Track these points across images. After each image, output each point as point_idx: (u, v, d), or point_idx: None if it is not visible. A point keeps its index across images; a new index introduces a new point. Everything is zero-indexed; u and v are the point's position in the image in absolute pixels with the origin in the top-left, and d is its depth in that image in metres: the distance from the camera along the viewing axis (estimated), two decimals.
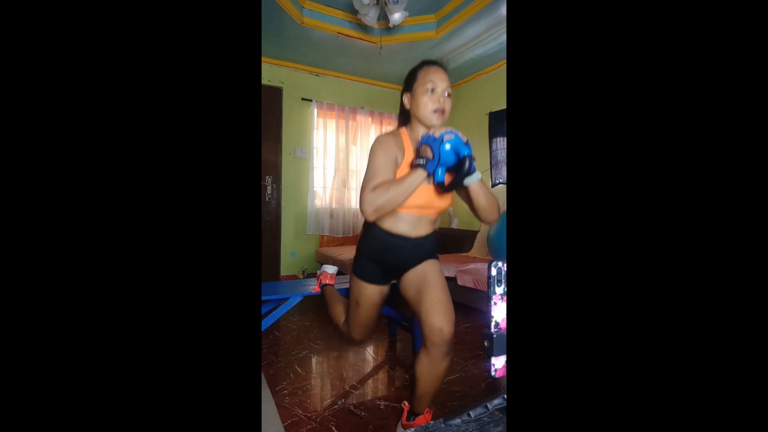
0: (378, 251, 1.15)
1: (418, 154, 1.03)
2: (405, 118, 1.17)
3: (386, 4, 2.23)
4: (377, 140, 1.09)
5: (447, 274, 2.50)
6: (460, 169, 0.97)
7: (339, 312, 1.48)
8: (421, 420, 1.15)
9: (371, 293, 1.22)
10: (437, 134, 0.98)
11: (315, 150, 3.54)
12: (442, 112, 1.07)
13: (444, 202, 1.13)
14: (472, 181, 1.00)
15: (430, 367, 1.07)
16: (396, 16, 2.25)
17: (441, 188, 1.05)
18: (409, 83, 1.13)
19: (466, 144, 0.98)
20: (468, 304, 2.37)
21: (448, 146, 0.96)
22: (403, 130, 1.15)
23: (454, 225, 3.68)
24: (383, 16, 2.37)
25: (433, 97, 1.06)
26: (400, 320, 1.88)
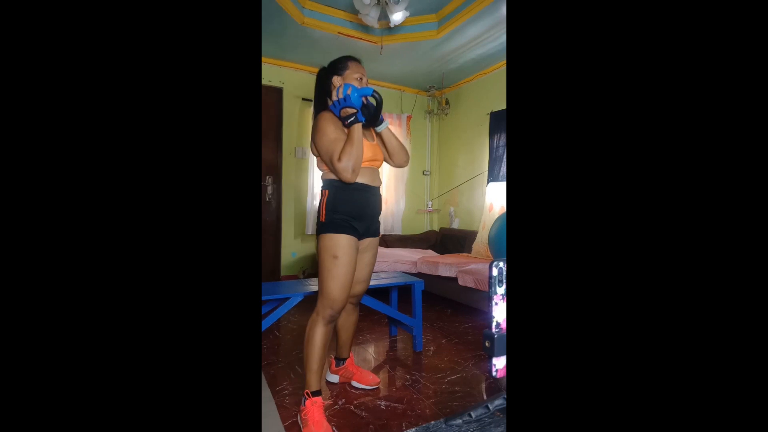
0: (347, 203, 1.26)
1: (344, 118, 1.22)
2: (327, 99, 1.34)
3: (387, 4, 2.23)
4: (322, 117, 1.26)
5: (448, 275, 2.50)
6: (377, 103, 1.23)
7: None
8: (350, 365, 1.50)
9: (347, 243, 1.24)
10: (340, 94, 1.21)
11: None
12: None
13: (379, 153, 1.35)
14: (383, 128, 1.32)
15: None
16: (397, 16, 2.25)
17: (369, 122, 1.28)
18: (339, 69, 1.32)
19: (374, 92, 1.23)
20: (469, 304, 2.37)
21: (351, 91, 1.21)
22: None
23: (455, 225, 3.68)
24: (384, 16, 2.37)
25: (361, 85, 1.29)
26: (400, 320, 1.88)
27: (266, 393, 1.43)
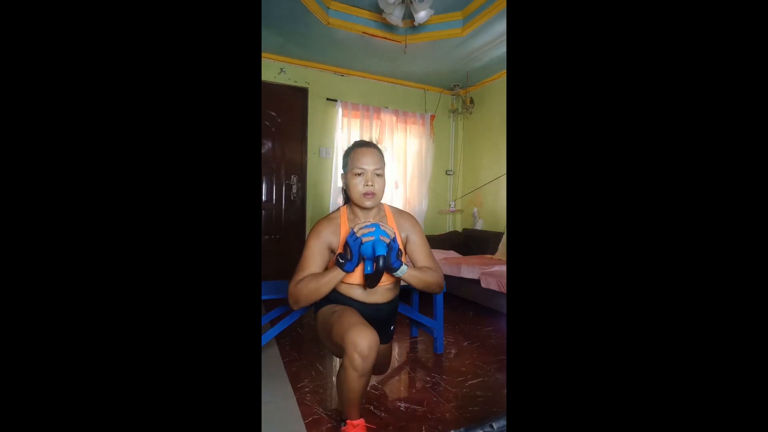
0: (340, 303, 1.19)
1: (343, 250, 1.09)
2: (346, 196, 1.24)
3: (411, 2, 2.21)
4: (313, 227, 1.18)
5: (470, 276, 2.46)
6: (378, 268, 1.04)
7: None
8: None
9: (344, 306, 1.16)
10: (359, 233, 1.04)
11: (342, 149, 3.56)
12: (371, 194, 1.15)
13: (388, 277, 1.17)
14: (399, 275, 1.10)
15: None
16: (421, 15, 2.23)
17: (368, 282, 1.11)
18: (344, 164, 1.21)
19: (391, 241, 1.04)
20: (491, 307, 2.32)
21: (366, 245, 1.03)
22: (344, 209, 1.24)
23: (479, 226, 3.62)
24: (408, 15, 2.36)
25: (361, 179, 1.14)
26: (421, 322, 1.87)
27: (288, 389, 1.45)
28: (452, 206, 3.98)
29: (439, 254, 3.03)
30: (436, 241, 3.49)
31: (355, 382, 1.00)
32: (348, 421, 1.10)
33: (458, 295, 2.60)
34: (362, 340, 0.97)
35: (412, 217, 1.32)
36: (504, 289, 2.20)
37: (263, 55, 3.12)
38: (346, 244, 1.05)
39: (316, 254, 1.14)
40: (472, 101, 3.73)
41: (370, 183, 1.14)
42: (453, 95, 3.88)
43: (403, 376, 1.64)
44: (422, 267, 1.21)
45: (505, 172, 3.36)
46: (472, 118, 3.84)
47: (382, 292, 1.20)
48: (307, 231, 3.52)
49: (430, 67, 3.34)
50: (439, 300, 1.87)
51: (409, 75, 3.59)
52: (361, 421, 1.11)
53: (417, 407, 1.35)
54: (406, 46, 2.84)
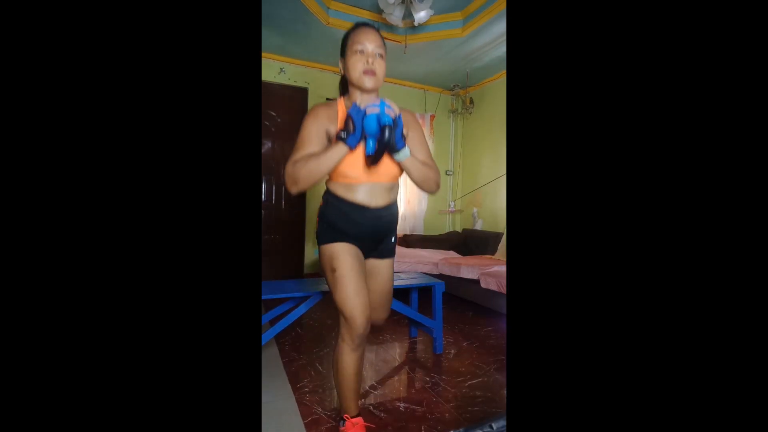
0: (339, 220, 1.10)
1: (345, 125, 0.99)
2: (344, 86, 1.14)
3: (411, 2, 2.21)
4: (309, 111, 1.08)
5: (470, 277, 2.46)
6: (382, 140, 0.95)
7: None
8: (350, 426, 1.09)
9: (344, 251, 1.08)
10: (363, 105, 0.96)
11: None
12: (372, 73, 1.05)
13: (391, 168, 1.09)
14: (401, 159, 1.02)
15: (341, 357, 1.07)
16: (421, 15, 2.23)
17: (369, 161, 1.02)
18: (342, 48, 1.09)
19: (396, 117, 0.96)
20: (491, 307, 2.32)
21: (369, 117, 0.94)
22: (341, 100, 1.13)
23: (479, 226, 3.62)
24: (408, 15, 2.36)
25: (362, 58, 1.04)
26: (420, 322, 1.87)
27: (287, 390, 1.45)
28: (452, 206, 3.98)
29: (439, 254, 3.03)
30: (436, 241, 3.49)
31: (348, 356, 1.04)
32: (345, 416, 1.10)
33: (458, 295, 2.60)
34: (359, 317, 1.01)
35: (413, 114, 1.22)
36: (504, 290, 2.20)
37: (263, 55, 3.12)
38: (348, 117, 0.97)
39: (313, 135, 1.04)
40: (471, 101, 3.74)
41: (370, 61, 1.04)
42: (453, 95, 3.88)
43: (403, 376, 1.64)
44: (422, 161, 1.14)
45: (505, 172, 3.36)
46: (472, 118, 3.84)
47: (381, 194, 1.11)
48: (307, 231, 3.52)
49: (430, 67, 3.34)
50: (438, 300, 1.87)
51: (409, 75, 3.59)
52: (359, 420, 1.10)
53: (416, 407, 1.35)
54: (406, 46, 2.84)
